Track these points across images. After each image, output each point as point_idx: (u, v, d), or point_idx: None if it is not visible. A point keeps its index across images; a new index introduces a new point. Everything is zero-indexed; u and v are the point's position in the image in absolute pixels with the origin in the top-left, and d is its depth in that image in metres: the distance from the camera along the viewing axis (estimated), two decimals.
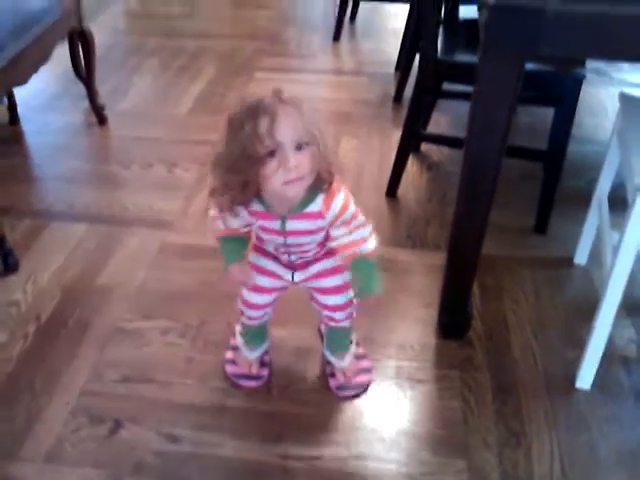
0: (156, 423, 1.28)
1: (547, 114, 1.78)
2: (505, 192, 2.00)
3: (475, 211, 1.30)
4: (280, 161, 0.98)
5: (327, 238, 1.15)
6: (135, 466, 1.20)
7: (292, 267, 1.22)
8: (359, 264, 1.12)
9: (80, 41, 2.18)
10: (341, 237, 1.11)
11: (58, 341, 1.46)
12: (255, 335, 1.35)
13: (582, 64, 1.62)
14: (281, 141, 0.97)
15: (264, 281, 1.24)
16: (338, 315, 1.26)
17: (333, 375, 1.37)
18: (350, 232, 1.10)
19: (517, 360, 1.43)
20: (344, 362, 1.34)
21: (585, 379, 1.35)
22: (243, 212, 1.10)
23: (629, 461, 1.23)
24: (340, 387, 1.35)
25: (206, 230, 1.15)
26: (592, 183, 1.59)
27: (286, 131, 0.97)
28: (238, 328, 1.38)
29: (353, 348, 1.36)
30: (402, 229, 1.83)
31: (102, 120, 2.30)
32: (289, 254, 1.18)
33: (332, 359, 1.35)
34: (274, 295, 1.27)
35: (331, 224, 1.10)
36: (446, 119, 2.34)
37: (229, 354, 1.41)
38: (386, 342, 1.47)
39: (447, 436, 1.27)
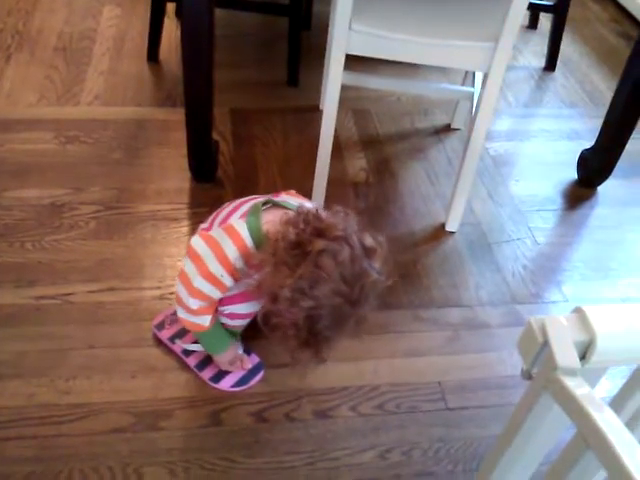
0: None
1: None
2: (262, 51, 2.12)
3: (200, 64, 1.39)
4: None
5: None
6: None
7: None
8: None
9: None
10: None
11: None
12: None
13: None
14: None
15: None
16: None
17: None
18: None
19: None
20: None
21: (318, 200, 1.53)
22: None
23: None
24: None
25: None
26: None
27: None
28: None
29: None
30: (163, 90, 1.87)
31: None
32: None
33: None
34: None
35: None
36: None
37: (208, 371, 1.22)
38: (143, 190, 1.55)
39: None
